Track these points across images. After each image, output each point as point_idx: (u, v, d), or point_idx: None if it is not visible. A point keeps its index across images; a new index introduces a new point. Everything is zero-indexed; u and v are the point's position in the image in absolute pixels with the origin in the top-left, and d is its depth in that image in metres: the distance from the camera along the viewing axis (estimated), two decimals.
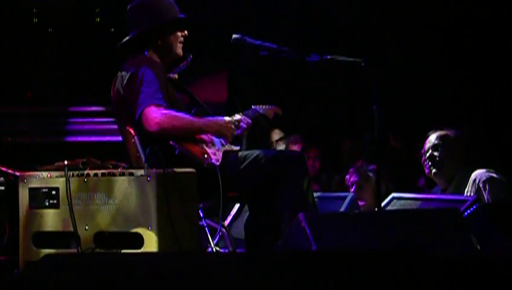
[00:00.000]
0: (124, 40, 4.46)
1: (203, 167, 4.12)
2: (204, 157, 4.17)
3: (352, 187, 6.16)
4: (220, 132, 4.34)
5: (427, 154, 5.31)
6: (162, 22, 4.39)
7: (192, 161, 4.13)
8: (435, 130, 5.37)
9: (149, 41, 4.40)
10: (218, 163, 4.18)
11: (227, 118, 4.40)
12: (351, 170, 6.43)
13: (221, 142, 4.44)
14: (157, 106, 4.13)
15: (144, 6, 4.43)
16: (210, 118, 4.37)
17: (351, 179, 6.26)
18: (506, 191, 5.06)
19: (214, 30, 6.99)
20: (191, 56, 4.53)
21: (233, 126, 4.38)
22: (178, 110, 4.23)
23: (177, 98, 4.40)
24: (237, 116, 4.54)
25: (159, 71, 4.27)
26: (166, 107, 4.16)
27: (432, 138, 5.33)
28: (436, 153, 5.28)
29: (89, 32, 7.71)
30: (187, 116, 4.25)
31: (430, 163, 5.27)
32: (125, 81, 4.29)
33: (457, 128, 5.43)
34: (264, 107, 4.90)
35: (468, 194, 5.08)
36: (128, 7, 4.47)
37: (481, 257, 3.21)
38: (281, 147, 7.68)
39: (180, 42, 4.46)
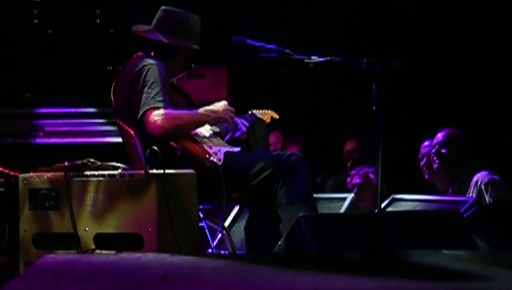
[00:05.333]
0: (143, 30, 4.45)
1: (205, 167, 4.13)
2: (207, 157, 4.18)
3: (354, 189, 6.16)
4: (220, 118, 4.37)
5: (434, 150, 5.30)
6: (187, 46, 4.41)
7: (194, 161, 4.13)
8: (442, 128, 5.37)
9: (162, 49, 4.41)
10: (220, 163, 4.19)
11: (221, 103, 4.41)
12: (353, 172, 6.43)
13: (214, 132, 4.46)
14: (158, 108, 4.14)
15: (180, 19, 4.45)
16: (206, 107, 4.38)
17: (353, 182, 6.26)
18: (507, 193, 5.06)
19: (214, 31, 6.99)
20: (194, 66, 4.55)
21: (230, 109, 4.39)
22: None
23: (178, 101, 4.41)
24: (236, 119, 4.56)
25: (163, 72, 4.27)
26: (168, 108, 4.17)
27: (440, 136, 5.32)
28: (443, 151, 5.27)
29: (89, 33, 7.71)
30: (185, 112, 4.28)
31: (435, 158, 5.26)
32: (127, 81, 4.29)
33: (458, 129, 5.44)
34: (260, 111, 4.91)
35: (470, 195, 5.08)
36: (166, 7, 4.48)
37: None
38: (280, 148, 7.67)
39: (185, 68, 4.50)
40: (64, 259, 3.26)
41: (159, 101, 4.16)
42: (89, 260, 3.27)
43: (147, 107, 4.15)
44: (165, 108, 4.15)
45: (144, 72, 4.23)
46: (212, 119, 4.37)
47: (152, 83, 4.19)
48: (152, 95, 4.16)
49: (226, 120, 4.42)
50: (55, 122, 6.38)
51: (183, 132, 4.25)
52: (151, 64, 4.27)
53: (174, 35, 4.41)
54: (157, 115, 4.13)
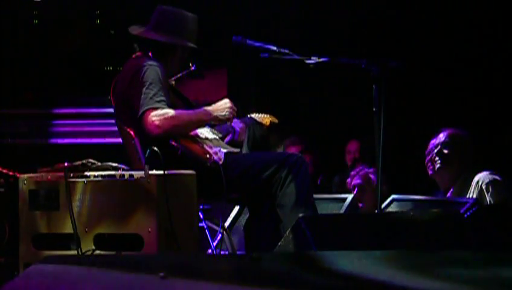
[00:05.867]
0: (139, 30, 4.46)
1: (206, 167, 4.13)
2: (207, 157, 4.18)
3: (354, 190, 6.16)
4: (220, 116, 4.35)
5: (436, 150, 5.29)
6: (183, 44, 4.42)
7: (195, 160, 4.14)
8: (445, 128, 5.36)
9: (159, 48, 4.41)
10: (220, 162, 4.19)
11: (222, 102, 4.40)
12: (353, 173, 6.43)
13: (215, 134, 4.46)
14: (156, 108, 4.14)
15: (176, 18, 4.46)
16: (205, 107, 4.38)
17: (354, 182, 6.26)
18: (508, 194, 5.06)
19: (214, 32, 6.99)
20: (193, 67, 4.55)
21: (231, 112, 4.38)
22: None
23: (176, 103, 4.40)
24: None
25: (161, 73, 4.27)
26: (166, 108, 4.17)
27: (442, 136, 5.31)
28: (445, 151, 5.26)
29: (89, 34, 7.72)
30: (184, 112, 4.27)
31: (437, 158, 5.25)
32: (126, 82, 4.30)
33: (461, 129, 5.43)
34: (259, 115, 4.91)
35: (471, 196, 5.07)
36: (161, 6, 4.49)
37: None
38: (280, 149, 7.67)
39: (182, 68, 4.50)
40: (64, 259, 3.25)
41: (158, 101, 4.16)
42: (89, 261, 3.27)
43: (146, 108, 4.15)
44: (163, 108, 4.15)
45: (142, 73, 4.23)
46: (212, 118, 4.36)
47: (150, 84, 4.19)
48: (150, 95, 4.17)
49: (227, 119, 4.40)
50: (55, 123, 6.38)
51: (182, 131, 4.25)
52: (149, 64, 4.27)
53: (170, 33, 4.42)
54: (155, 115, 4.14)
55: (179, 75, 4.55)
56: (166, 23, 4.44)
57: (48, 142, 6.32)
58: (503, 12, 7.15)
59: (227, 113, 4.37)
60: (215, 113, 4.35)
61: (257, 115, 4.92)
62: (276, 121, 4.99)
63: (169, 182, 3.75)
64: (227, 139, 4.59)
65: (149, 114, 4.14)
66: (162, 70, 4.30)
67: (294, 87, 8.03)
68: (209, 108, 4.37)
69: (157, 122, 4.13)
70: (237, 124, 4.62)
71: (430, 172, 5.43)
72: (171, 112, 4.17)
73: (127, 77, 4.31)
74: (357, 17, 7.77)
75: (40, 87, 7.44)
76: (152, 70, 4.24)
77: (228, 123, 4.48)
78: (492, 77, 7.27)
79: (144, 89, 4.19)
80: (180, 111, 4.26)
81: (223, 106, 4.38)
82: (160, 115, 4.14)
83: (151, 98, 4.16)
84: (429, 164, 5.42)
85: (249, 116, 4.88)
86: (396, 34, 7.56)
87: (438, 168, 5.29)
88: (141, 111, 4.15)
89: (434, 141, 5.43)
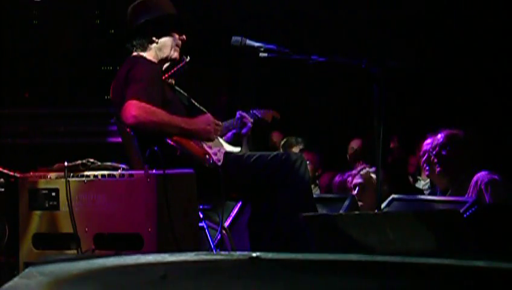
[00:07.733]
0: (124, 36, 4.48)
1: (204, 167, 4.12)
2: (206, 158, 4.17)
3: (355, 189, 6.15)
4: (200, 130, 4.31)
5: (434, 151, 5.28)
6: (158, 15, 4.41)
7: (193, 161, 4.13)
8: (443, 128, 5.35)
9: (145, 37, 4.41)
10: (219, 163, 4.18)
11: (205, 116, 4.39)
12: (354, 172, 6.43)
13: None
14: (139, 100, 4.10)
15: (144, 3, 4.45)
16: (193, 118, 4.35)
17: (354, 181, 6.25)
18: (508, 193, 5.05)
19: (214, 32, 7.00)
20: (187, 58, 4.53)
21: (214, 128, 4.36)
22: (173, 112, 4.23)
23: (173, 100, 4.39)
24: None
25: (152, 70, 4.27)
26: (149, 103, 4.14)
27: (440, 137, 5.30)
28: (443, 152, 5.25)
29: (88, 34, 7.73)
30: (166, 113, 4.21)
31: (436, 160, 5.25)
32: (122, 82, 4.30)
33: (459, 130, 5.43)
34: (262, 111, 4.90)
35: (470, 196, 5.07)
36: (129, 7, 4.50)
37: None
38: (283, 149, 7.68)
39: (177, 46, 4.46)
40: (64, 259, 3.25)
41: (142, 94, 4.13)
42: (89, 260, 3.27)
43: (129, 98, 4.12)
44: (145, 102, 4.12)
45: (132, 71, 4.24)
46: (191, 130, 4.27)
47: (137, 80, 4.18)
48: (135, 90, 4.15)
49: (208, 132, 4.35)
50: (55, 123, 6.38)
51: (157, 130, 4.16)
52: (140, 62, 4.30)
53: (142, 18, 4.44)
54: (135, 105, 4.08)
55: (175, 69, 4.54)
56: (137, 14, 4.47)
57: (48, 141, 6.32)
58: (505, 12, 7.15)
59: (209, 127, 4.33)
60: (194, 126, 4.29)
61: (260, 110, 4.91)
62: (278, 116, 4.98)
63: (169, 181, 3.75)
64: (228, 135, 4.59)
65: (130, 103, 4.10)
66: (155, 68, 4.31)
67: (295, 87, 8.03)
68: (192, 119, 4.33)
69: (134, 112, 4.08)
70: (248, 119, 4.62)
71: (426, 173, 5.43)
72: (152, 107, 4.13)
73: (122, 76, 4.31)
74: (357, 17, 7.78)
75: (40, 87, 7.45)
76: (142, 66, 4.25)
77: (210, 138, 4.42)
78: (492, 77, 7.27)
79: (131, 85, 4.18)
80: (161, 110, 4.20)
81: (206, 121, 4.34)
82: (140, 106, 4.09)
83: (136, 92, 4.14)
84: (425, 165, 5.42)
85: (251, 111, 4.87)
86: (397, 34, 7.56)
87: (437, 169, 5.29)
88: (124, 101, 4.14)
89: (428, 142, 5.44)
